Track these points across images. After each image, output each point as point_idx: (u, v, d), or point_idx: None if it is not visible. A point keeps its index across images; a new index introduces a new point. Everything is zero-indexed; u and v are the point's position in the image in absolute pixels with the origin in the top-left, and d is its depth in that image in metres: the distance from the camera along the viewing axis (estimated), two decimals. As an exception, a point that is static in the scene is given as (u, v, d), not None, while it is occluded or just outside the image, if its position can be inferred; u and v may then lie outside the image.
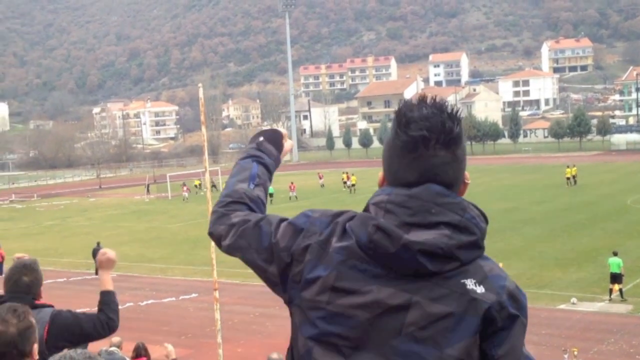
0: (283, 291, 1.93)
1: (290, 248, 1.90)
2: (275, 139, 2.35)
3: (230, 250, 2.08)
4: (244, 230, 2.04)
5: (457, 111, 1.81)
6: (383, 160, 1.89)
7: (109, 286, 4.20)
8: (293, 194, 58.83)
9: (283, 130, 2.43)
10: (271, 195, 56.17)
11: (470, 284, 1.71)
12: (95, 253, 33.23)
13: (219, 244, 2.12)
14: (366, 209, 1.84)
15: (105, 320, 4.08)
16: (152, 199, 66.25)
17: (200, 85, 10.06)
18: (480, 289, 1.71)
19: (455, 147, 1.78)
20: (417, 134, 1.75)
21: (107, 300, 4.16)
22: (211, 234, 2.15)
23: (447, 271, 1.71)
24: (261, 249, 1.97)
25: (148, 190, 70.31)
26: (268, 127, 2.49)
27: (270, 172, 2.30)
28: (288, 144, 2.41)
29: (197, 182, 68.50)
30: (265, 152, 2.29)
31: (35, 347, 3.07)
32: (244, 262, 2.06)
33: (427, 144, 1.74)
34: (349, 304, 1.74)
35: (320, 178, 66.75)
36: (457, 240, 1.72)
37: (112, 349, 10.64)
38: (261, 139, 2.32)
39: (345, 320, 1.74)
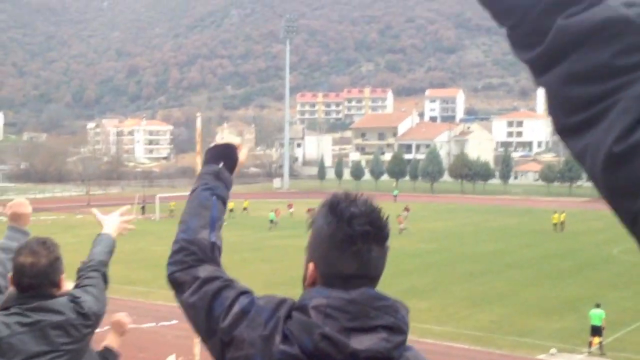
0: None
1: (232, 331, 1.91)
2: (231, 157, 2.29)
3: (185, 304, 2.03)
4: (207, 292, 1.99)
5: (383, 212, 1.91)
6: (314, 251, 1.91)
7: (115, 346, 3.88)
8: (277, 219, 58.85)
9: (237, 141, 2.36)
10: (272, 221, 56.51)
11: None
12: (79, 271, 33.01)
13: (178, 291, 2.05)
14: (301, 309, 1.86)
15: None
16: (140, 220, 66.04)
17: (198, 115, 10.13)
18: None
19: (384, 243, 1.88)
20: (361, 229, 1.82)
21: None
22: (173, 280, 2.07)
23: None
24: (211, 317, 1.96)
25: (143, 211, 69.92)
26: (221, 142, 2.33)
27: (226, 206, 2.22)
28: (242, 155, 2.35)
29: (172, 205, 67.81)
30: (224, 180, 2.23)
31: (63, 277, 3.26)
32: (190, 320, 2.01)
33: (366, 239, 1.82)
34: None
35: (290, 208, 65.82)
36: (393, 342, 1.83)
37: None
38: (221, 164, 2.25)
39: None
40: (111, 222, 3.79)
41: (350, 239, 1.83)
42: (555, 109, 1.02)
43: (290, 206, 66.40)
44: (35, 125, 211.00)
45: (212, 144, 2.33)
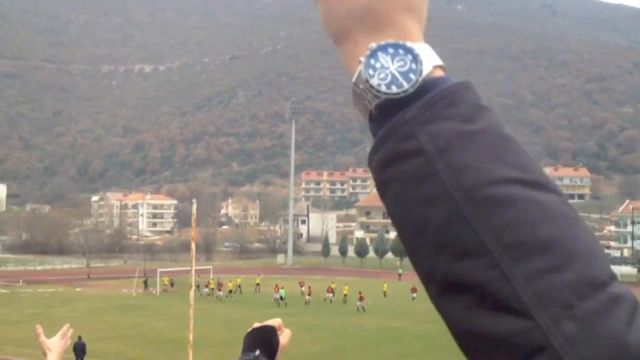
0: None
1: None
2: (271, 342, 1.99)
3: None
4: None
5: None
6: None
7: None
8: (276, 296, 58.10)
9: (276, 322, 2.05)
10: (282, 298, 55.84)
11: None
12: (76, 347, 31.94)
13: None
14: None
15: None
16: (140, 294, 64.94)
17: (194, 200, 9.86)
18: None
19: None
20: None
21: None
22: None
23: None
24: None
25: (146, 285, 68.47)
26: (258, 325, 2.02)
27: None
28: (285, 337, 2.02)
29: (165, 281, 66.92)
30: None
31: None
32: None
33: None
34: None
35: (301, 286, 63.26)
36: None
37: None
38: (257, 352, 1.95)
39: None
40: (54, 349, 3.38)
41: None
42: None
43: (301, 284, 63.15)
44: (38, 197, 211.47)
45: (250, 329, 2.04)
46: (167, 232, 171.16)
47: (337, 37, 0.86)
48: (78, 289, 68.56)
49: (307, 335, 42.28)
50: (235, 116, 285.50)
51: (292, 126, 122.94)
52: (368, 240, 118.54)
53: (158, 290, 64.73)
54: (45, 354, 3.36)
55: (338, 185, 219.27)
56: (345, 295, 58.31)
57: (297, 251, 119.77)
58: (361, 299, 52.98)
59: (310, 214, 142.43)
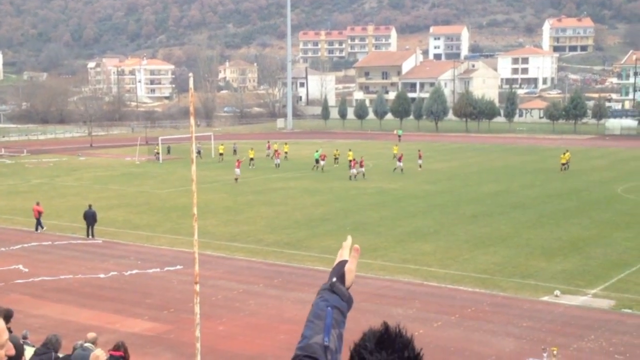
0: None
1: None
2: (343, 272, 2.45)
3: None
4: None
5: (418, 356, 1.85)
6: None
7: None
8: (277, 161, 58.81)
9: (345, 256, 2.49)
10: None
11: None
12: (87, 215, 32.88)
13: None
14: None
15: None
16: (143, 162, 65.66)
17: (190, 75, 9.90)
18: None
19: None
20: None
21: None
22: None
23: None
24: None
25: (157, 156, 65.57)
26: (336, 261, 2.52)
27: (344, 315, 2.37)
28: (347, 266, 2.47)
29: (157, 148, 65.99)
30: (339, 293, 2.37)
31: None
32: None
33: None
34: None
35: (323, 159, 57.52)
36: None
37: (87, 344, 10.51)
38: (334, 279, 2.41)
39: None
40: None
41: None
42: None
43: (323, 157, 57.16)
44: (34, 65, 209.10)
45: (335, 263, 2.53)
46: (166, 97, 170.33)
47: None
48: (82, 158, 69.33)
49: (309, 198, 43.43)
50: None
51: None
52: (367, 102, 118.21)
53: (160, 158, 65.43)
54: None
55: (336, 45, 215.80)
56: (350, 160, 57.55)
57: (297, 115, 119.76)
58: (362, 165, 52.23)
59: (309, 76, 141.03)
